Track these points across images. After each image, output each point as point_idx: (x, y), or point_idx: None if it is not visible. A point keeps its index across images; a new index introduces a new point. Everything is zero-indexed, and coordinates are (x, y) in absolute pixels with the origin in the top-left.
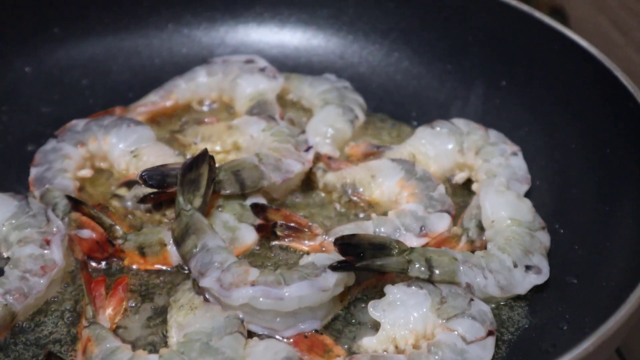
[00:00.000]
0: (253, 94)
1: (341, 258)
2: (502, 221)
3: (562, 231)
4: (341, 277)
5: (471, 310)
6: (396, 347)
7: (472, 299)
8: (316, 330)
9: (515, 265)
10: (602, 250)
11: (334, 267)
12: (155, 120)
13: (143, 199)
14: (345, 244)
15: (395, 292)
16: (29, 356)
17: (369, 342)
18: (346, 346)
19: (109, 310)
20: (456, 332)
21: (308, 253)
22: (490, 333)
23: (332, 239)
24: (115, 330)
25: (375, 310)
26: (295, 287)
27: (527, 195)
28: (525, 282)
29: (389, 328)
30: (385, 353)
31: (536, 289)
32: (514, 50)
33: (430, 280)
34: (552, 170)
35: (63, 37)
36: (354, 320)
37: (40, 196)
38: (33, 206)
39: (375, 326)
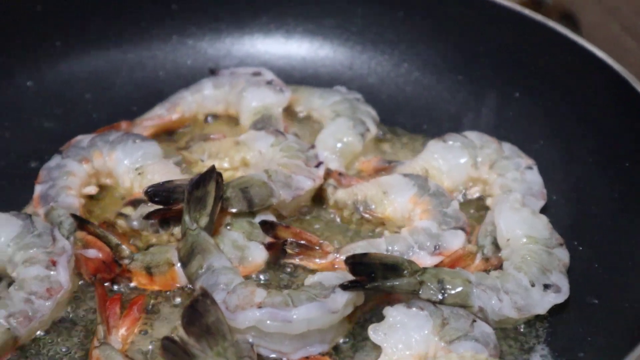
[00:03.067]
0: (258, 108)
1: (349, 277)
2: (517, 239)
3: (580, 248)
4: (350, 297)
5: (474, 332)
6: None
7: (474, 320)
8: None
9: (533, 285)
10: (624, 270)
11: (345, 287)
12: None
13: (148, 215)
14: (356, 263)
15: (395, 314)
16: None
17: None
18: None
19: (122, 331)
20: None
21: (314, 272)
22: (493, 356)
23: (343, 257)
24: (127, 352)
25: (375, 334)
26: (304, 308)
27: (543, 211)
28: (544, 302)
29: (390, 352)
30: None
31: (555, 310)
32: (527, 61)
33: (442, 303)
34: (569, 185)
35: (65, 51)
36: (357, 341)
37: (44, 214)
38: (38, 225)
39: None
